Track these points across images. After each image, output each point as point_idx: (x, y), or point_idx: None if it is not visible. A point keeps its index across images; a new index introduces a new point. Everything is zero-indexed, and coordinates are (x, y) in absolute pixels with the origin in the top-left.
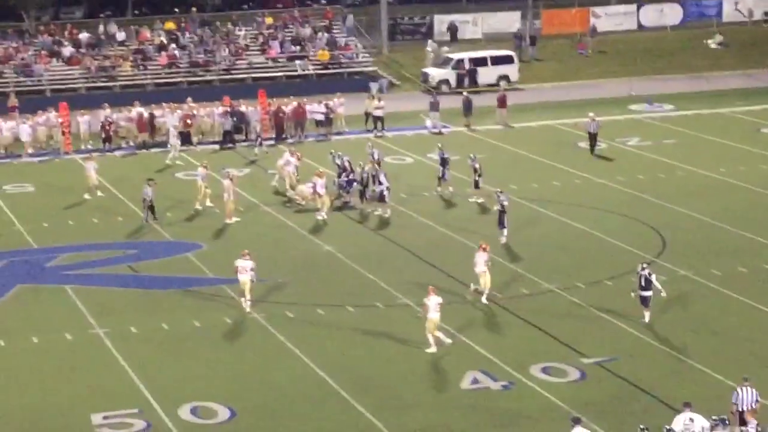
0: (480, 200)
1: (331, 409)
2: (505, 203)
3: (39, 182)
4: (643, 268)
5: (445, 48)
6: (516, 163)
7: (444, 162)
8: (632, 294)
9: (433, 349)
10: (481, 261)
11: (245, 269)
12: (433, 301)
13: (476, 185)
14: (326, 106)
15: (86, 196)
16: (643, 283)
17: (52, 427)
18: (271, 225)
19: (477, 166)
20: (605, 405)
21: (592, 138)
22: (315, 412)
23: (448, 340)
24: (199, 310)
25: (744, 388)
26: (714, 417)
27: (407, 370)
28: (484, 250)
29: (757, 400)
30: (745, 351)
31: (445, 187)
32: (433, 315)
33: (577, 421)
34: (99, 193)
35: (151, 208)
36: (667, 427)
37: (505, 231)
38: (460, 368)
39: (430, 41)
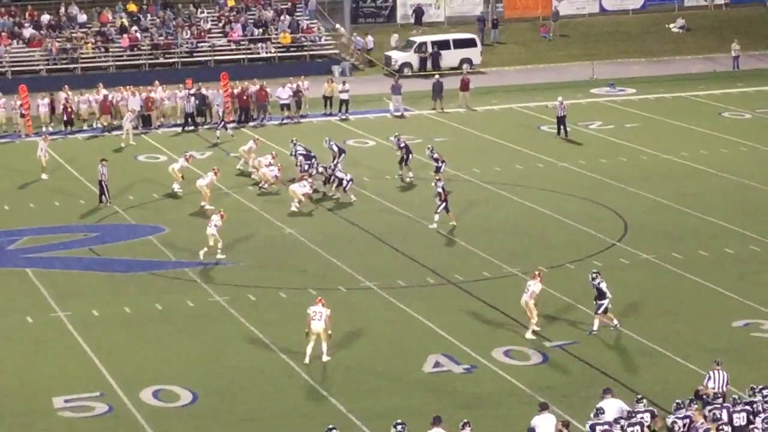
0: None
1: (294, 393)
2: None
3: None
4: (593, 278)
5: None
6: (478, 147)
7: (407, 149)
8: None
9: (305, 361)
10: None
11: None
12: (313, 310)
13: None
14: (297, 87)
15: (43, 176)
16: (597, 294)
17: (13, 411)
18: (234, 208)
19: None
20: (567, 388)
21: (560, 122)
22: (277, 395)
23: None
24: (161, 294)
25: (716, 372)
26: (639, 396)
27: (370, 353)
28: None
29: (727, 383)
30: (706, 333)
31: (406, 171)
32: (315, 324)
33: (544, 407)
34: (44, 176)
35: (105, 188)
36: (598, 406)
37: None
38: (423, 352)
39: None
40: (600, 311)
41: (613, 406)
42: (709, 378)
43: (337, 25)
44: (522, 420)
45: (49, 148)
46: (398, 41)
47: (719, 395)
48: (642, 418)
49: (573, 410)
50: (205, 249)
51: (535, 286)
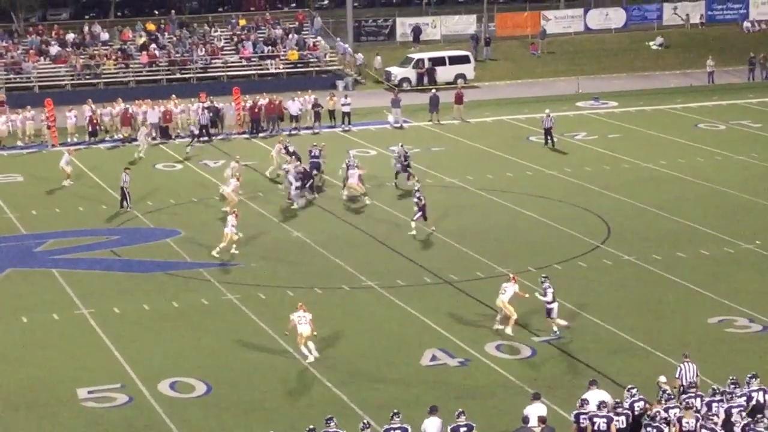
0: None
1: (300, 384)
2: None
3: (27, 173)
4: (542, 283)
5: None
6: (472, 156)
7: (405, 159)
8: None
9: (311, 359)
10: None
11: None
12: (297, 316)
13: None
14: (315, 101)
15: (65, 182)
16: (548, 297)
17: (40, 401)
18: (245, 213)
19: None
20: (555, 380)
21: (547, 132)
22: (285, 386)
23: (314, 355)
24: (177, 292)
25: (685, 364)
26: (630, 386)
27: (371, 347)
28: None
29: (697, 374)
30: (683, 329)
31: (405, 179)
32: (302, 328)
33: (536, 397)
34: (66, 183)
35: (126, 195)
36: (583, 397)
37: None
38: (420, 346)
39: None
40: (552, 315)
41: (597, 397)
42: (680, 370)
43: (339, 41)
44: (513, 409)
45: (74, 157)
46: (379, 62)
47: (693, 384)
48: (636, 405)
49: (560, 400)
50: (219, 246)
51: (510, 288)
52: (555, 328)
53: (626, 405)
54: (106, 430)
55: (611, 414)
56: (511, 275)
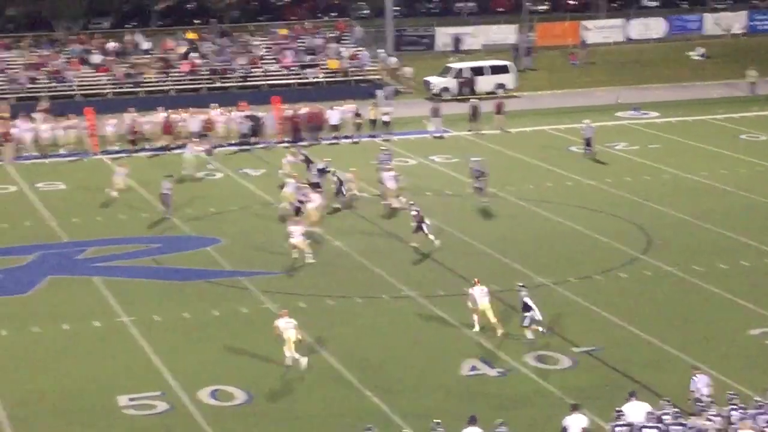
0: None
1: (339, 393)
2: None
3: (69, 180)
4: (519, 291)
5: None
6: (512, 166)
7: (480, 175)
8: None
9: (302, 363)
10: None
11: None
12: (282, 323)
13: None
14: (356, 110)
15: (113, 193)
16: (523, 307)
17: (81, 408)
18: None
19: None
20: (594, 391)
21: (587, 142)
22: (325, 395)
23: (304, 360)
24: (217, 300)
25: (698, 376)
26: (666, 398)
27: (410, 357)
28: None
29: (709, 385)
30: (724, 341)
31: (480, 195)
32: (288, 333)
33: (575, 407)
34: (114, 194)
35: (167, 201)
36: (618, 409)
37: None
38: (460, 356)
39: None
40: (525, 323)
41: (637, 409)
42: (694, 382)
43: (381, 51)
44: (552, 420)
45: (114, 164)
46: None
47: (708, 397)
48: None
49: (600, 411)
50: (295, 257)
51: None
52: (530, 335)
53: (655, 417)
54: None
55: (661, 426)
56: (475, 280)
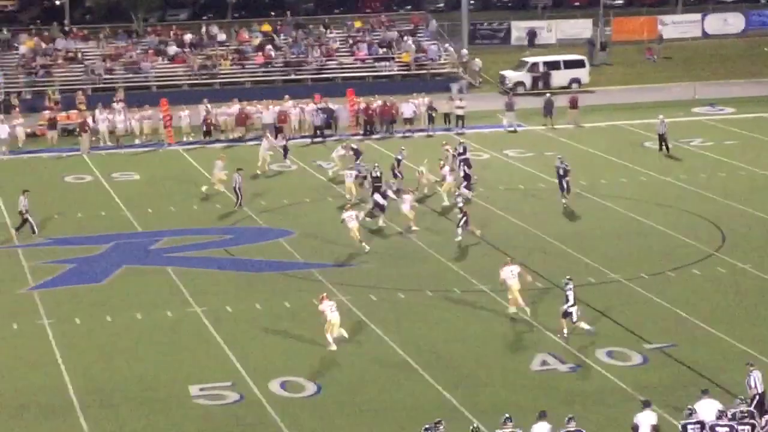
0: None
1: (410, 386)
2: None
3: (144, 171)
4: (566, 284)
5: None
6: (586, 161)
7: (565, 174)
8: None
9: (332, 348)
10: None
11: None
12: (326, 306)
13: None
14: (430, 103)
15: (215, 186)
16: (565, 299)
17: (153, 397)
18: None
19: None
20: (666, 388)
21: (661, 138)
22: (394, 388)
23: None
24: (289, 292)
25: (754, 373)
26: (740, 398)
27: (481, 351)
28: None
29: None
30: None
31: (565, 196)
32: (332, 316)
33: (646, 404)
34: (217, 188)
35: (238, 194)
36: (690, 407)
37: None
38: (531, 351)
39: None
40: (574, 319)
41: (709, 407)
42: (753, 379)
43: (453, 44)
44: (622, 417)
45: (189, 156)
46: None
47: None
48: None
49: (671, 409)
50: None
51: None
52: (566, 331)
53: (729, 415)
54: (217, 428)
55: (734, 424)
56: (507, 259)
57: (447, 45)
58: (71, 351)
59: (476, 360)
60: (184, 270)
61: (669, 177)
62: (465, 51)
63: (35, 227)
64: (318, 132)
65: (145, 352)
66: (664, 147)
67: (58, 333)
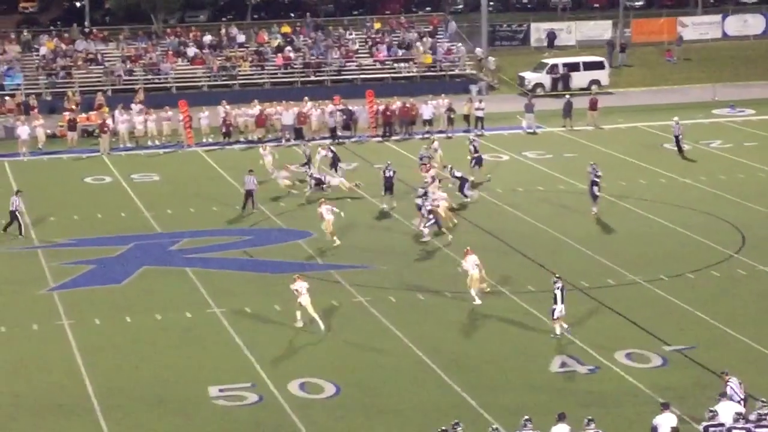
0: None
1: (428, 387)
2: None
3: (164, 172)
4: (554, 282)
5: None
6: (605, 162)
7: (595, 181)
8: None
9: (299, 324)
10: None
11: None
12: (298, 285)
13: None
14: (449, 105)
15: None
16: (554, 298)
17: (172, 398)
18: (373, 216)
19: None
20: (686, 390)
21: (677, 140)
22: (413, 389)
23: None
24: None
25: (731, 381)
26: (763, 400)
27: (500, 352)
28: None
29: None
30: None
31: (595, 204)
32: (303, 299)
33: (665, 407)
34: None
35: (250, 197)
36: (712, 409)
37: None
38: (550, 352)
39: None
40: (555, 316)
41: (727, 409)
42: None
43: (473, 45)
44: (642, 419)
45: (209, 157)
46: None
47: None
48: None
49: (690, 412)
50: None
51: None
52: (558, 330)
53: (753, 418)
54: (236, 429)
55: (751, 426)
56: (467, 249)
57: (459, 45)
58: (91, 352)
59: (495, 361)
60: (204, 271)
61: (688, 179)
62: (479, 49)
63: (23, 228)
64: (333, 133)
65: (164, 353)
66: (680, 149)
67: (77, 334)
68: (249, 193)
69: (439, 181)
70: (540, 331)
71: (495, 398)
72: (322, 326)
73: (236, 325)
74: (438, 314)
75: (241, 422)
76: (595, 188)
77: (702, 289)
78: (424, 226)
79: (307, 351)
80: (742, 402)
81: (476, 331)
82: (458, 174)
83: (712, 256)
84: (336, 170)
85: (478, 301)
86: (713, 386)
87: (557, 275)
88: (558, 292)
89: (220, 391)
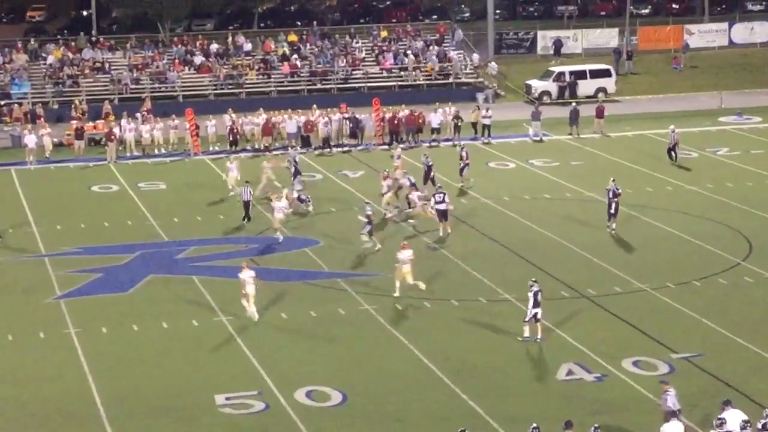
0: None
1: (436, 395)
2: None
3: (171, 180)
4: (531, 286)
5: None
6: (612, 170)
7: (614, 196)
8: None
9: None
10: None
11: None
12: (245, 275)
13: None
14: (456, 113)
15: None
16: (532, 301)
17: (179, 406)
18: (380, 224)
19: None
20: (693, 398)
21: (672, 148)
22: (420, 397)
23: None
24: (315, 302)
25: (669, 391)
26: None
27: (507, 360)
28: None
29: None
30: None
31: (613, 222)
32: (249, 288)
33: (673, 414)
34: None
35: (247, 208)
36: (720, 417)
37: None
38: (557, 360)
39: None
40: (527, 318)
41: (733, 417)
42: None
43: (478, 53)
44: (649, 426)
45: (215, 165)
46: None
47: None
48: None
49: (698, 419)
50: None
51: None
52: (526, 333)
53: (759, 426)
54: None
55: None
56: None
57: (460, 53)
58: (97, 360)
59: (502, 369)
60: (210, 279)
61: (695, 186)
62: (476, 56)
63: None
64: (325, 143)
65: (170, 361)
66: (674, 157)
67: (84, 342)
68: (246, 204)
69: (398, 189)
70: (547, 339)
71: (502, 406)
72: (253, 313)
73: (243, 334)
74: (445, 322)
75: (247, 430)
76: (613, 204)
77: (709, 297)
78: (362, 233)
79: (314, 359)
80: (678, 413)
81: (483, 339)
82: (413, 180)
83: (719, 264)
84: (294, 181)
85: (397, 293)
86: (720, 394)
87: (534, 279)
88: (532, 296)
89: (227, 399)
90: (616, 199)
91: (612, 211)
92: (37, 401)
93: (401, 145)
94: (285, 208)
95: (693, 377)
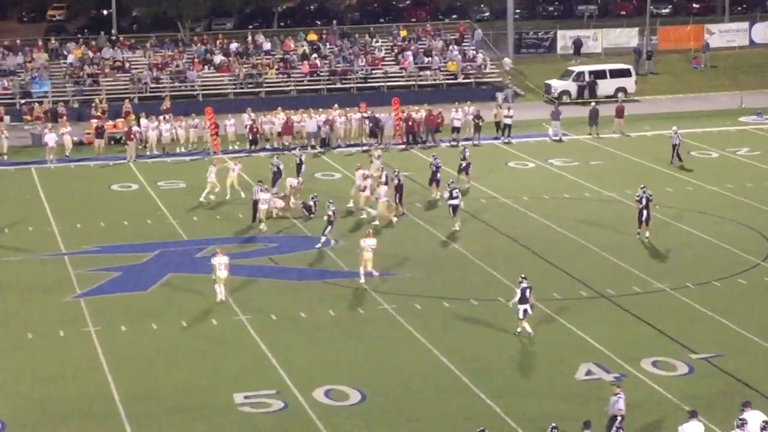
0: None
1: (454, 395)
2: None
3: (190, 179)
4: (520, 282)
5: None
6: (631, 170)
7: (646, 203)
8: (510, 304)
9: (221, 298)
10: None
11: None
12: (217, 261)
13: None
14: (477, 112)
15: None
16: (519, 296)
17: (198, 405)
18: (401, 223)
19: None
20: (712, 399)
21: (674, 148)
22: (438, 396)
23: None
24: (334, 301)
25: (621, 396)
26: None
27: (526, 360)
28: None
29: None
30: None
31: (645, 230)
32: (220, 273)
33: (693, 415)
34: (211, 197)
35: (255, 208)
36: (741, 417)
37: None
38: (575, 360)
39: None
40: (520, 315)
41: (753, 418)
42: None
43: (505, 58)
44: (669, 426)
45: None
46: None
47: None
48: None
49: (717, 419)
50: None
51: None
52: (519, 329)
53: None
54: None
55: None
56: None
57: (481, 52)
58: (117, 358)
59: (521, 369)
60: (229, 278)
61: (715, 186)
62: (481, 54)
63: None
64: (323, 143)
65: (189, 359)
66: (676, 158)
67: (103, 340)
68: (256, 203)
69: (372, 191)
70: (565, 338)
71: (520, 406)
72: (223, 297)
73: (262, 332)
74: (464, 321)
75: (266, 429)
76: (645, 211)
77: (728, 297)
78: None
79: (333, 358)
80: (620, 419)
81: (501, 339)
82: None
83: (739, 264)
84: (274, 184)
85: (362, 279)
86: (740, 395)
87: (523, 275)
88: (519, 291)
89: (246, 397)
90: (647, 208)
91: (644, 218)
92: (56, 399)
93: (381, 147)
94: (270, 201)
95: (712, 378)
